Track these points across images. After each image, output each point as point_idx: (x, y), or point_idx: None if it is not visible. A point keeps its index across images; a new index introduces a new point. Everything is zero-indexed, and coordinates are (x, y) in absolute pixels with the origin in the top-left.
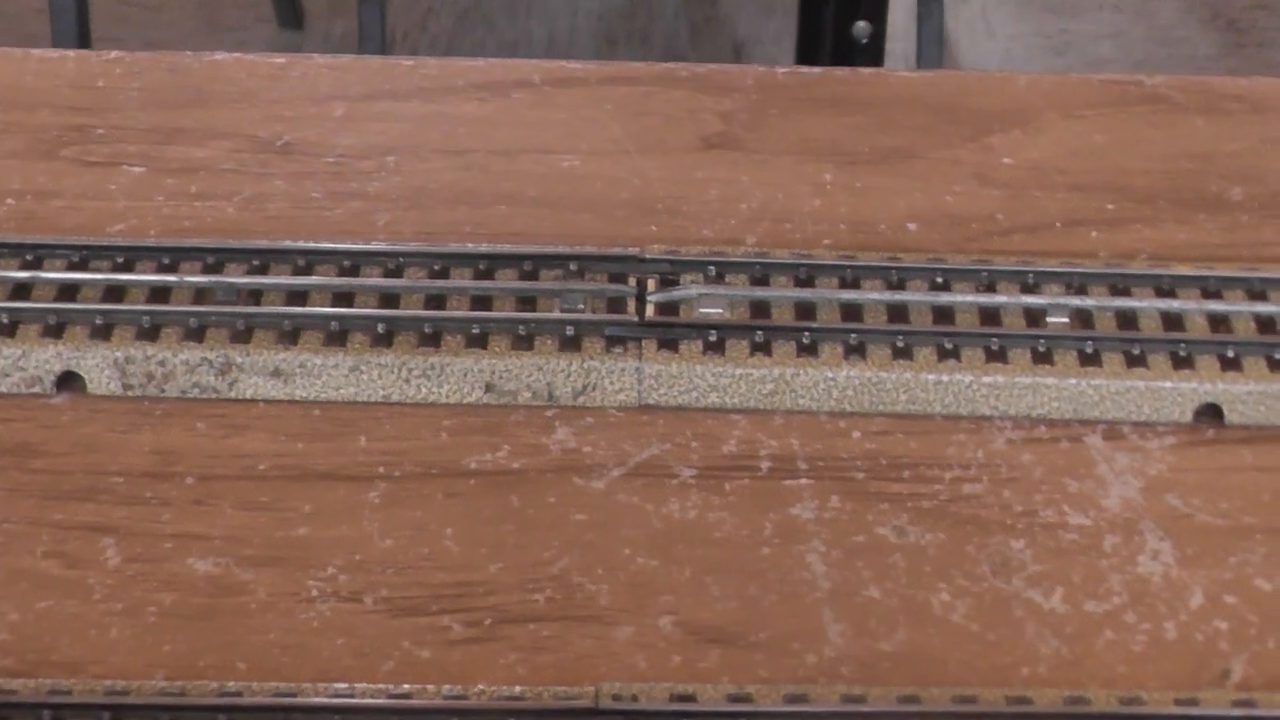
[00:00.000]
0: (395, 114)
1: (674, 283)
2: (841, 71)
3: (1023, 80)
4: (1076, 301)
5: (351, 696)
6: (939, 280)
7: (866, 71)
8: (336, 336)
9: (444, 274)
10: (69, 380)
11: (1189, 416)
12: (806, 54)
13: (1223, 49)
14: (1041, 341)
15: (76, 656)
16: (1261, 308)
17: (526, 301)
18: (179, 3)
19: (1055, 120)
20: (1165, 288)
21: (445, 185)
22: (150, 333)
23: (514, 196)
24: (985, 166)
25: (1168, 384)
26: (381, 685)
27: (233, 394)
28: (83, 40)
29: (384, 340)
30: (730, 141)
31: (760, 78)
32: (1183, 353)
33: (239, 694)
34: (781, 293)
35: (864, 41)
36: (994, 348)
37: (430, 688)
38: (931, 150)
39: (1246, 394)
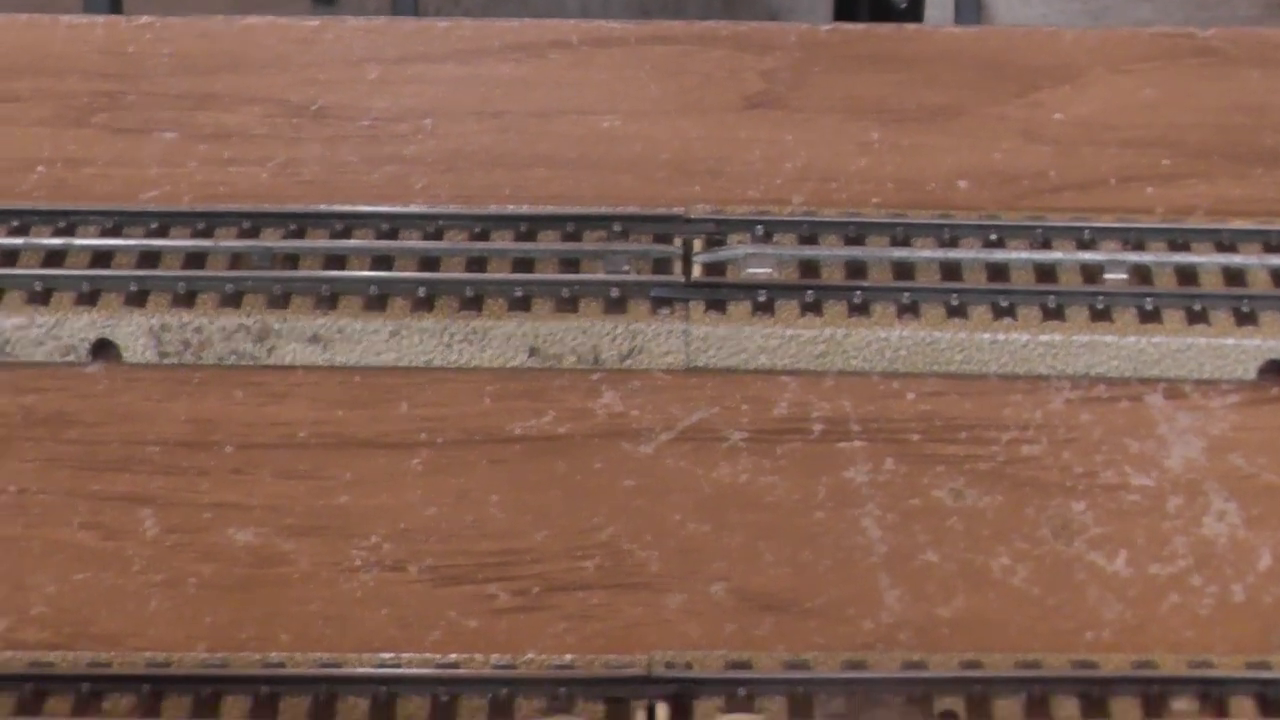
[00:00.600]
0: (430, 76)
1: (720, 243)
2: (885, 28)
3: (1069, 35)
4: (1134, 257)
5: (398, 666)
6: (992, 237)
7: (910, 28)
8: (376, 301)
9: (484, 236)
10: (104, 348)
11: (1253, 374)
12: (844, 19)
13: (1266, 10)
14: (1099, 299)
15: (116, 629)
16: None
17: (569, 263)
18: None
19: (1103, 75)
20: (1225, 242)
21: (482, 148)
22: (186, 299)
23: (553, 158)
24: (1033, 123)
25: (1230, 341)
26: (428, 655)
27: (271, 361)
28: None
29: (425, 304)
30: (773, 100)
31: (802, 35)
32: (1245, 309)
33: (282, 665)
34: (831, 251)
35: (902, 6)
36: (1050, 305)
37: (478, 657)
38: (978, 107)
39: None
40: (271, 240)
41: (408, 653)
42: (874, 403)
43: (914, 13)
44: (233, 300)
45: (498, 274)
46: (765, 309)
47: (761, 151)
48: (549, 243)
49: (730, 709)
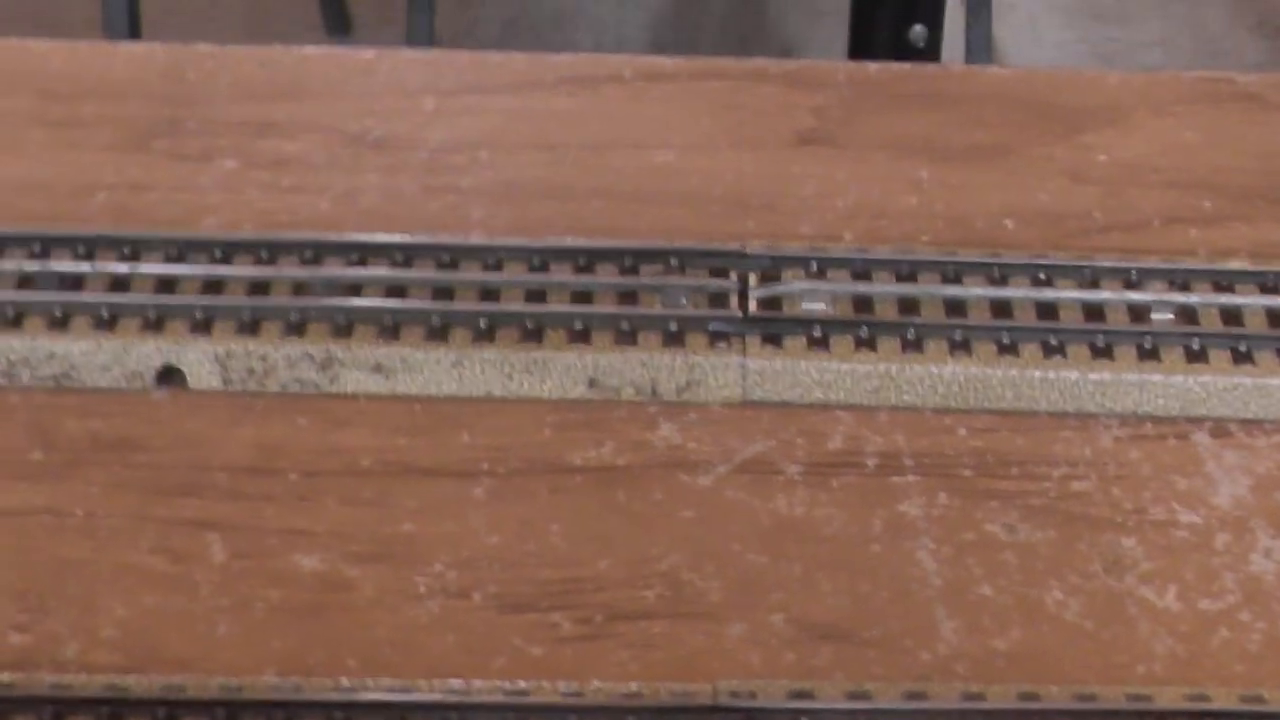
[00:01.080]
0: (485, 108)
1: (776, 278)
2: (932, 68)
3: (1114, 78)
4: (1181, 298)
5: (468, 694)
6: (1041, 276)
7: (957, 68)
8: (438, 331)
9: (544, 269)
10: (170, 375)
11: None
12: (858, 59)
13: (1270, 56)
14: (1147, 338)
15: (186, 653)
16: None
17: (628, 296)
18: (226, 11)
19: (1147, 118)
20: (1270, 284)
21: (538, 179)
22: (251, 327)
23: (608, 191)
24: (1079, 164)
25: (1275, 381)
26: (495, 682)
27: (334, 389)
28: None
29: (485, 335)
30: (824, 137)
31: (851, 73)
32: None
33: (353, 690)
34: (884, 288)
35: (920, 46)
36: (1099, 344)
37: (546, 684)
38: (1025, 147)
39: None
40: (334, 269)
41: (474, 679)
42: (927, 437)
43: (931, 51)
44: (296, 329)
45: (557, 306)
46: (820, 344)
47: (814, 188)
48: (607, 276)
49: None
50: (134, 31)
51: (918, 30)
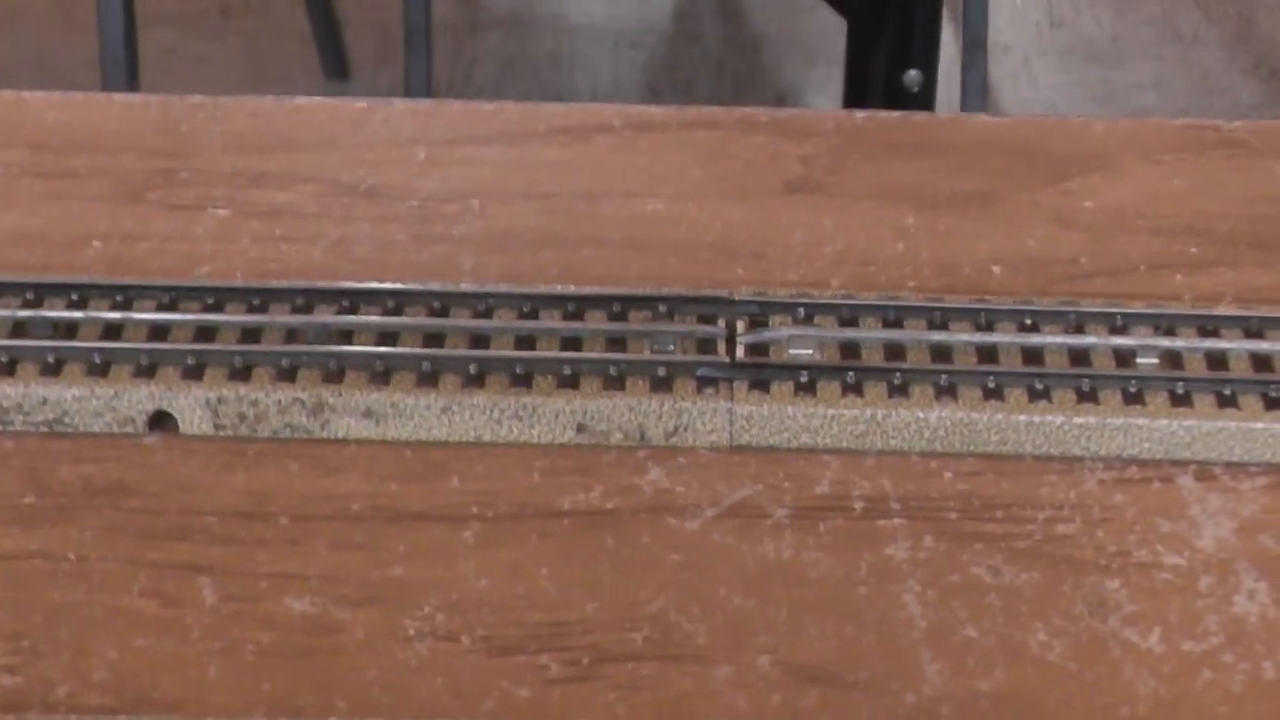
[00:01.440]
0: (477, 158)
1: (763, 324)
2: (920, 116)
3: (1100, 125)
4: (1166, 343)
5: None
6: (1027, 322)
7: (944, 116)
8: (428, 377)
9: (533, 315)
10: (161, 420)
11: None
12: (854, 103)
13: (1266, 98)
14: (1132, 382)
15: (176, 695)
16: None
17: (616, 342)
18: (225, 55)
19: (1134, 164)
20: (1254, 329)
21: (529, 229)
22: (242, 373)
23: (598, 239)
24: (1066, 210)
25: (1260, 425)
26: None
27: (325, 434)
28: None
29: (475, 381)
30: (811, 185)
31: (839, 122)
32: (1274, 394)
33: None
34: (871, 334)
35: (915, 91)
36: (1085, 389)
37: None
38: (1012, 194)
39: None
40: (325, 316)
41: None
42: (913, 482)
43: (925, 98)
44: (288, 375)
45: (547, 352)
46: (807, 389)
47: (801, 235)
48: (596, 322)
49: None
50: (132, 75)
51: (912, 75)
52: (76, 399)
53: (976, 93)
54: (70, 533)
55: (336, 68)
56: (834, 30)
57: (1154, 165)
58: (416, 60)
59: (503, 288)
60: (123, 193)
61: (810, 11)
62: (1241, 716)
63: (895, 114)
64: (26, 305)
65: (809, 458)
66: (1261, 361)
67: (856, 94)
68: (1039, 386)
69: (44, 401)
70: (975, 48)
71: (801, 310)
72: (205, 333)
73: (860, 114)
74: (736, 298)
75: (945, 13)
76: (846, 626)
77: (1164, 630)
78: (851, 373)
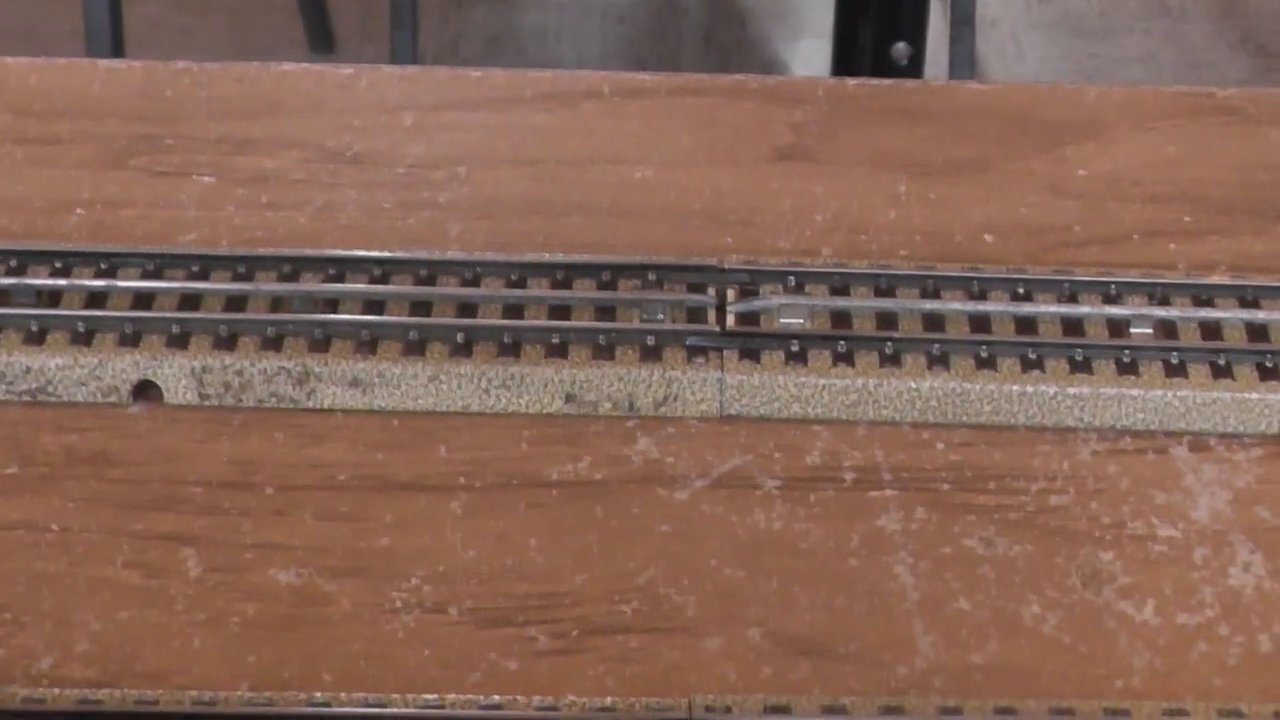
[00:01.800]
0: (464, 124)
1: (754, 293)
2: (911, 83)
3: (1094, 92)
4: (1160, 312)
5: (442, 708)
6: (1020, 291)
7: (937, 83)
8: (415, 346)
9: (522, 284)
10: (145, 389)
11: (1276, 428)
12: (842, 76)
13: (1253, 73)
14: (1126, 352)
15: (160, 666)
16: None
17: (605, 311)
18: (210, 27)
19: (1127, 132)
20: (1249, 298)
21: (517, 195)
22: (227, 342)
23: (587, 207)
24: (1059, 178)
25: (1254, 395)
26: (470, 696)
27: (311, 404)
28: None
29: (463, 350)
30: (802, 153)
31: (830, 89)
32: (1269, 363)
33: (327, 704)
34: (862, 303)
35: (903, 64)
36: (1078, 359)
37: (520, 699)
38: (1005, 162)
39: None
40: (311, 284)
41: (450, 694)
42: (905, 452)
43: (913, 71)
44: (273, 343)
45: (535, 321)
46: (798, 359)
47: (792, 203)
48: (585, 290)
49: None
50: (117, 47)
51: (900, 48)
52: (60, 368)
53: (964, 66)
54: (53, 503)
55: (322, 41)
56: (821, 4)
57: (1148, 132)
58: (403, 34)
59: (490, 255)
60: (106, 159)
61: None
62: (1237, 689)
63: (887, 81)
64: (9, 273)
65: (800, 428)
66: (1257, 331)
67: (844, 67)
68: (1032, 356)
69: (27, 370)
70: (963, 22)
71: (792, 279)
72: (190, 301)
73: (852, 81)
74: (726, 266)
75: None
76: (838, 598)
77: (1159, 602)
78: (843, 342)
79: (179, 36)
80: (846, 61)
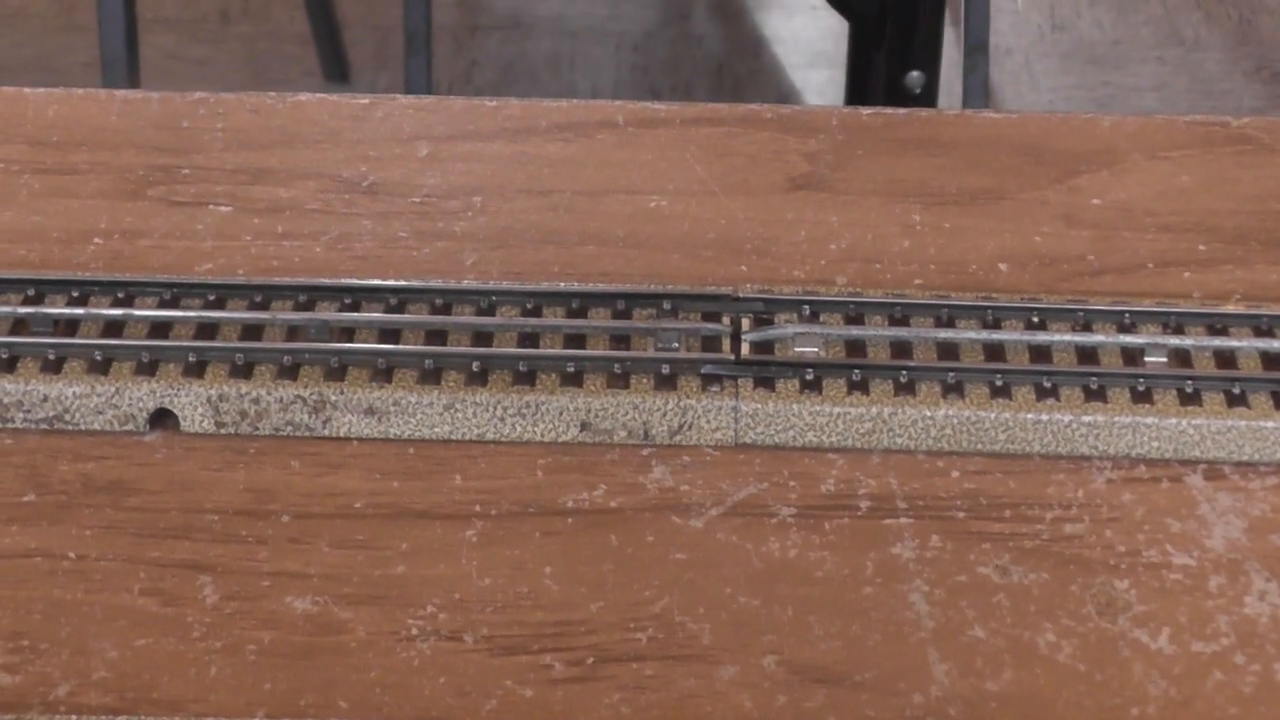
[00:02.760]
0: (479, 154)
1: (769, 322)
2: (925, 113)
3: (1107, 121)
4: (1174, 341)
5: None
6: (1034, 320)
7: (951, 112)
8: (430, 375)
9: (537, 312)
10: (162, 417)
11: None
12: (856, 105)
13: (1268, 101)
14: (1140, 381)
15: (177, 694)
16: None
17: (621, 340)
18: (225, 57)
19: (1141, 161)
20: (1264, 327)
21: (532, 225)
22: (243, 370)
23: (601, 236)
24: (1073, 207)
25: (1269, 424)
26: None
27: (327, 432)
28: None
29: (478, 378)
30: (816, 182)
31: (844, 118)
32: None
33: None
34: (877, 331)
35: (917, 92)
36: (1092, 387)
37: None
38: (1019, 191)
39: None
40: (327, 313)
41: None
42: (920, 480)
43: (928, 99)
44: (289, 372)
45: (550, 349)
46: (813, 387)
47: (807, 232)
48: (600, 319)
49: None
50: (133, 78)
51: (914, 76)
52: (77, 396)
53: (978, 95)
54: (70, 531)
55: (336, 70)
56: (834, 33)
57: (1161, 162)
58: (417, 63)
59: (505, 285)
60: (123, 189)
61: (810, 14)
62: (1252, 718)
63: (901, 110)
64: (27, 302)
65: (815, 456)
66: (1271, 360)
67: (858, 96)
68: (1046, 384)
69: (45, 399)
70: (977, 50)
71: (807, 307)
72: (206, 330)
73: (866, 110)
74: (741, 295)
75: (946, 15)
76: (853, 626)
77: (1174, 631)
78: (857, 370)
79: (194, 67)
80: (860, 90)
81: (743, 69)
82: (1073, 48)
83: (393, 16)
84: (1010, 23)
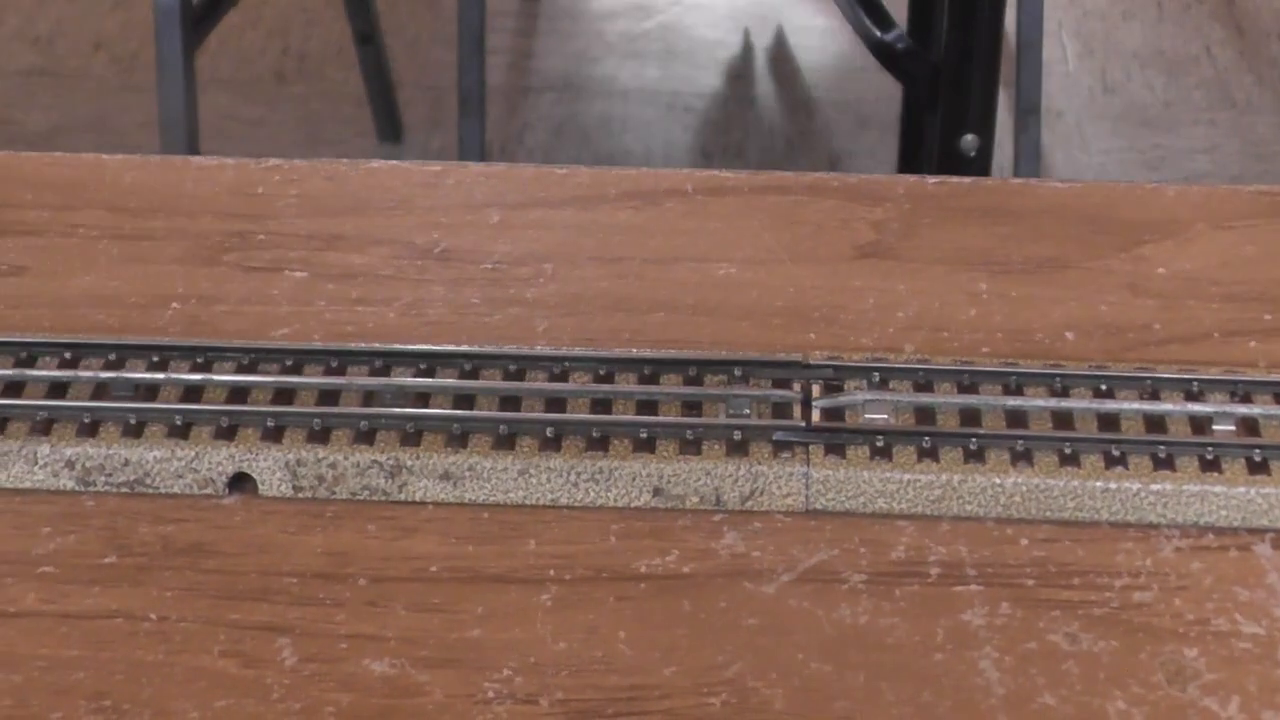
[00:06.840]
0: (550, 221)
1: (838, 389)
2: (990, 182)
3: (1172, 191)
4: (1243, 409)
5: None
6: (1103, 388)
7: (1015, 181)
8: (505, 440)
9: (609, 379)
10: (241, 481)
11: None
12: (908, 167)
13: None
14: (1209, 449)
15: None
16: None
17: (692, 406)
18: (280, 117)
19: (1205, 231)
20: None
21: (602, 292)
22: (320, 435)
23: (671, 304)
24: (1138, 276)
25: None
26: None
27: (402, 496)
28: (191, 154)
29: (552, 444)
30: (883, 250)
31: (910, 187)
32: None
33: None
34: (946, 399)
35: (971, 155)
36: (1161, 455)
37: None
38: (1084, 260)
39: None
40: (402, 378)
41: None
42: (989, 548)
43: (982, 163)
44: (366, 437)
45: (622, 415)
46: (883, 454)
47: (874, 300)
48: (671, 386)
49: None
50: (192, 139)
51: (968, 140)
52: (158, 460)
53: (1030, 158)
54: (151, 592)
55: (390, 130)
56: (886, 95)
57: (1226, 231)
58: (470, 124)
59: (578, 351)
60: (199, 255)
61: (863, 75)
62: None
63: (966, 180)
64: (108, 366)
65: (885, 523)
66: None
67: (911, 159)
68: (1115, 453)
69: (126, 463)
70: (1029, 113)
71: (876, 375)
72: (284, 395)
73: (931, 179)
74: (811, 362)
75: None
76: (924, 693)
77: (1243, 699)
78: (927, 438)
79: (250, 128)
80: (913, 153)
81: (794, 130)
82: (1124, 110)
83: (446, 77)
84: (1061, 85)
